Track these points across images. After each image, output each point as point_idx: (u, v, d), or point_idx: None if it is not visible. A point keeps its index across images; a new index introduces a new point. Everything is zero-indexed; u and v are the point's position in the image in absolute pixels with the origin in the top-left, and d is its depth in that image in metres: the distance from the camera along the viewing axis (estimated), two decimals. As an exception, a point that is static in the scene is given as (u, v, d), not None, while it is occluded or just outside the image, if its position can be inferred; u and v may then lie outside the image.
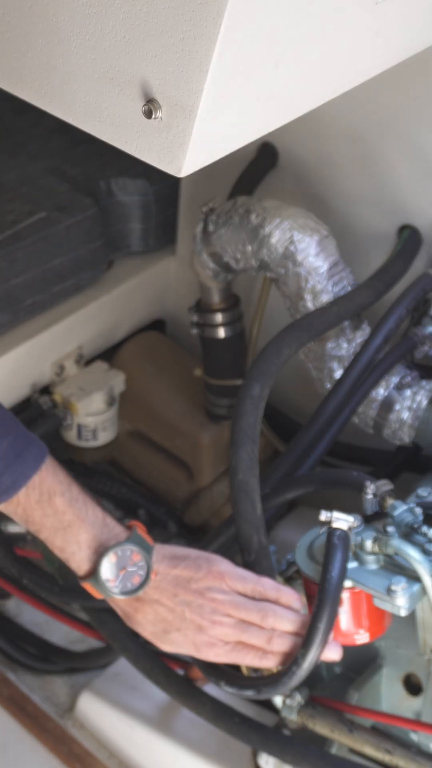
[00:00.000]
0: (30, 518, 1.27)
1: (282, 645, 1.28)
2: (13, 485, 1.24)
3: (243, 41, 1.04)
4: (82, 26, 1.09)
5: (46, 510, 1.26)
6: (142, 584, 1.27)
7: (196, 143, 1.07)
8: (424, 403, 1.58)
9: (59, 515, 1.26)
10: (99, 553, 1.26)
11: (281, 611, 1.28)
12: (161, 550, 1.30)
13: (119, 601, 1.30)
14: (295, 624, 1.28)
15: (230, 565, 1.30)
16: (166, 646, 1.31)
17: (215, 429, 1.92)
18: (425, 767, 1.39)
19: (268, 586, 1.29)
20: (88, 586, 1.29)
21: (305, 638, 1.27)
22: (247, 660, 1.29)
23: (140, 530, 1.29)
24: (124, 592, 1.27)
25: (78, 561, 1.28)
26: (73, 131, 1.22)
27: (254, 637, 1.27)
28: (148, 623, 1.30)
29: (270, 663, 1.28)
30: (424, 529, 1.31)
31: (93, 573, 1.27)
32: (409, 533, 1.32)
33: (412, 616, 1.33)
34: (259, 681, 1.34)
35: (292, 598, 1.30)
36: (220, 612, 1.27)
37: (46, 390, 1.89)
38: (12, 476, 1.24)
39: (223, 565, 1.30)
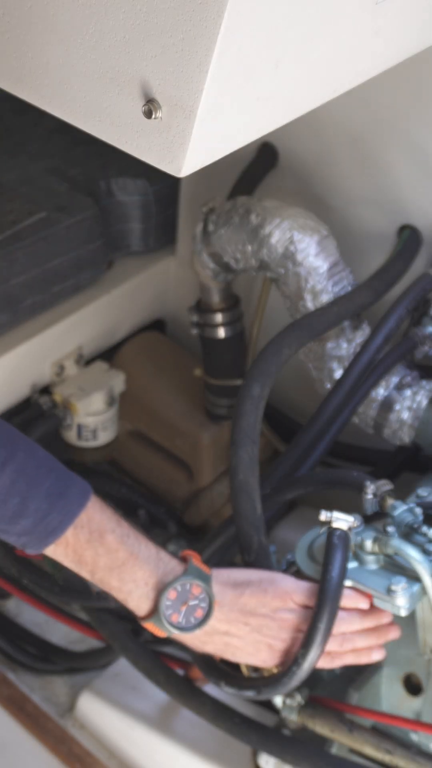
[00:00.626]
0: (82, 559, 1.23)
1: (356, 643, 1.29)
2: (61, 524, 1.21)
3: (243, 41, 1.04)
4: (82, 26, 1.09)
5: (98, 549, 1.22)
6: (205, 617, 1.25)
7: (196, 143, 1.07)
8: (424, 403, 1.58)
9: (112, 553, 1.22)
10: (158, 590, 1.23)
11: (347, 615, 1.28)
12: (219, 577, 1.28)
13: (185, 638, 1.27)
14: (363, 622, 1.29)
15: (293, 581, 1.29)
16: (241, 661, 1.31)
17: (215, 429, 1.92)
18: (425, 767, 1.39)
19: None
20: (150, 625, 1.25)
21: (305, 638, 1.27)
22: (321, 665, 1.29)
23: (195, 560, 1.26)
24: (188, 628, 1.25)
25: (136, 600, 1.24)
26: (73, 131, 1.21)
27: (329, 644, 1.28)
28: (219, 652, 1.29)
29: (343, 662, 1.30)
30: (424, 529, 1.31)
31: (154, 611, 1.23)
32: (409, 533, 1.32)
33: (412, 616, 1.33)
34: (260, 681, 1.34)
35: (357, 599, 1.29)
36: (290, 630, 1.27)
37: (46, 390, 1.89)
38: (59, 515, 1.20)
39: (287, 582, 1.29)
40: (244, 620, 1.26)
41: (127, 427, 2.00)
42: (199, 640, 1.28)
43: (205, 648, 1.29)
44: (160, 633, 1.25)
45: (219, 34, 1.01)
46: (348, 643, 1.30)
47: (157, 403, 1.97)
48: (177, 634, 1.25)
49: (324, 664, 1.30)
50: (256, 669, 1.38)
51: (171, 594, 1.23)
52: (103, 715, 1.70)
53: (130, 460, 2.04)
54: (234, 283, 1.80)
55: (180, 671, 1.55)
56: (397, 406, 1.59)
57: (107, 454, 1.96)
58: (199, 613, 1.25)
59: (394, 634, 1.32)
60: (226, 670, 1.39)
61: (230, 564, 1.61)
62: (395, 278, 1.63)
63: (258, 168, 1.82)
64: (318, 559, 1.33)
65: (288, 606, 1.27)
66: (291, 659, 1.28)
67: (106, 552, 1.23)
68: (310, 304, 1.60)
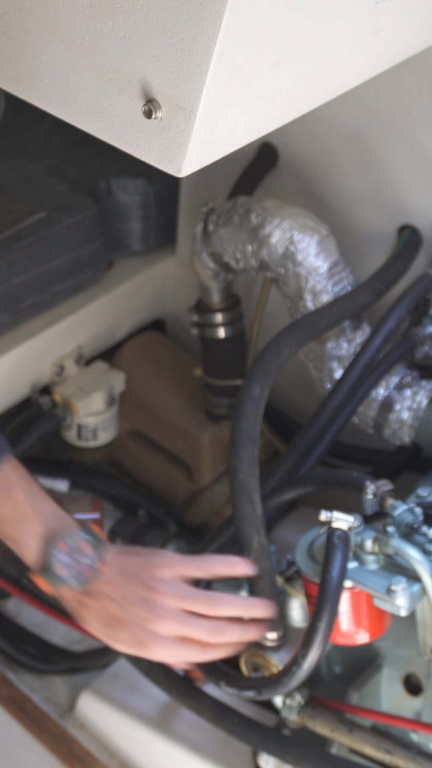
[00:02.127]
0: None
1: (226, 636, 1.28)
2: None
3: (243, 41, 1.04)
4: (82, 26, 1.09)
5: (3, 501, 1.28)
6: (92, 575, 1.26)
7: (196, 143, 1.07)
8: (424, 403, 1.58)
9: (17, 507, 1.28)
10: (50, 543, 1.27)
11: (227, 597, 1.30)
12: (112, 546, 1.30)
13: (68, 595, 1.29)
14: (240, 607, 1.29)
15: (179, 555, 1.32)
16: (113, 644, 1.30)
17: (215, 429, 1.92)
18: (425, 767, 1.39)
19: (218, 563, 1.32)
20: (39, 579, 1.29)
21: (305, 638, 1.27)
22: (190, 656, 1.29)
23: (95, 527, 1.30)
24: (73, 582, 1.26)
25: (33, 553, 1.28)
26: (73, 131, 1.22)
27: (198, 629, 1.27)
28: (94, 618, 1.29)
29: (213, 656, 1.29)
30: (424, 529, 1.31)
31: (44, 564, 1.27)
32: (409, 533, 1.32)
33: (412, 616, 1.33)
34: (260, 681, 1.34)
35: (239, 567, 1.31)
36: (164, 605, 1.26)
37: (46, 390, 1.89)
38: None
39: (173, 556, 1.31)
40: (120, 582, 1.27)
41: (127, 427, 2.00)
42: (79, 601, 1.29)
43: (83, 612, 1.29)
44: (48, 587, 1.28)
45: (219, 34, 1.01)
46: (219, 634, 1.29)
47: (157, 403, 1.97)
48: (61, 588, 1.27)
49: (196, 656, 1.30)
50: (256, 669, 1.38)
51: (61, 546, 1.26)
52: (103, 715, 1.70)
53: (130, 460, 2.04)
54: (234, 283, 1.80)
55: (180, 671, 1.55)
56: (397, 406, 1.59)
57: (107, 454, 1.95)
58: (86, 570, 1.26)
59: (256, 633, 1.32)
60: (226, 670, 1.39)
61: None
62: (395, 278, 1.63)
63: (258, 168, 1.82)
64: (318, 559, 1.33)
65: (166, 576, 1.28)
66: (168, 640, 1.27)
67: (12, 505, 1.28)
68: (310, 304, 1.60)
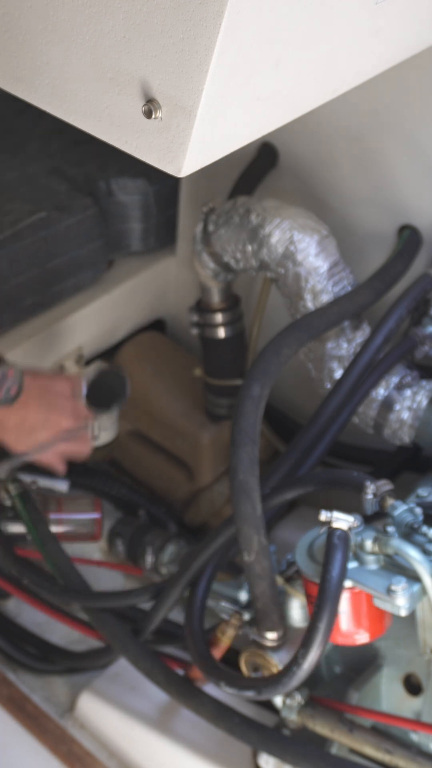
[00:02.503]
0: None
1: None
2: None
3: (243, 41, 1.04)
4: (82, 26, 1.09)
5: None
6: (18, 393, 1.52)
7: (196, 143, 1.07)
8: (424, 403, 1.58)
9: None
10: None
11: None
12: (28, 371, 1.57)
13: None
14: None
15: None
16: (24, 447, 1.59)
17: (215, 429, 1.92)
18: (425, 767, 1.39)
19: None
20: None
21: (305, 638, 1.27)
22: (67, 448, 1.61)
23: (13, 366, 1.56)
24: (5, 400, 1.51)
25: None
26: (73, 131, 1.22)
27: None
28: (14, 426, 1.56)
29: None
30: (424, 529, 1.31)
31: None
32: (409, 533, 1.32)
33: (412, 616, 1.33)
34: (260, 681, 1.34)
35: None
36: (69, 409, 1.59)
37: (46, 390, 1.89)
38: None
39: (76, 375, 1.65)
40: (38, 394, 1.57)
41: (127, 427, 2.00)
42: (5, 416, 1.55)
43: (8, 423, 1.55)
44: None
45: (219, 34, 1.01)
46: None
47: (157, 403, 1.97)
48: None
49: None
50: (256, 669, 1.38)
51: None
52: (103, 715, 1.70)
53: (130, 460, 2.04)
54: (234, 283, 1.80)
55: (180, 671, 1.55)
56: (397, 406, 1.59)
57: (107, 454, 1.96)
58: (13, 390, 1.52)
59: None
60: (226, 670, 1.39)
61: (230, 564, 1.61)
62: (395, 278, 1.63)
63: (258, 168, 1.82)
64: (318, 559, 1.33)
65: (74, 391, 1.61)
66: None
67: None
68: (310, 304, 1.60)
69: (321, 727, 1.43)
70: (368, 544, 1.31)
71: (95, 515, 1.77)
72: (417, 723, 1.42)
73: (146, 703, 1.68)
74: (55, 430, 1.60)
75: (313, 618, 1.27)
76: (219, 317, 1.80)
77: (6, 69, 1.20)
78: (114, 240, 1.95)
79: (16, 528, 1.71)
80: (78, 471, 1.95)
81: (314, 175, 1.78)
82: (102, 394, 1.63)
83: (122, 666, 1.71)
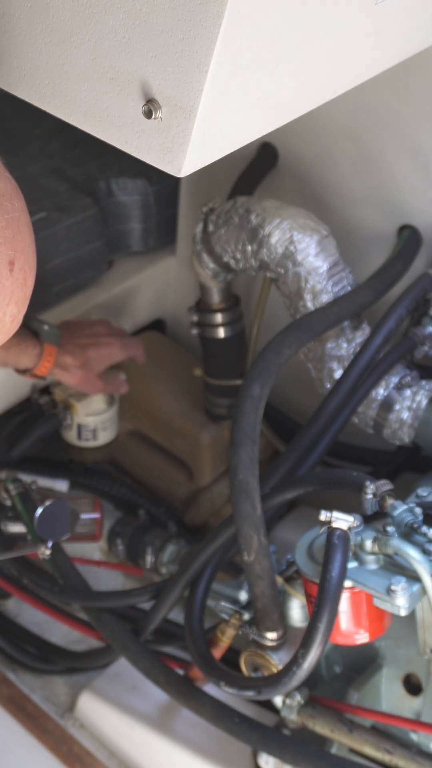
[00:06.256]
0: None
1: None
2: None
3: (243, 41, 1.04)
4: (82, 26, 1.09)
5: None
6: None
7: (195, 143, 1.07)
8: (424, 403, 1.58)
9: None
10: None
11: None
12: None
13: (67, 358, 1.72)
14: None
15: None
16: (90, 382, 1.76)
17: (215, 429, 1.92)
18: (425, 767, 1.39)
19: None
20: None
21: (305, 638, 1.27)
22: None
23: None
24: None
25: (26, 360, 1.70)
26: (73, 131, 1.21)
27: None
28: (78, 365, 1.73)
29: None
30: (424, 529, 1.31)
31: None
32: (409, 533, 1.32)
33: (412, 616, 1.33)
34: (260, 681, 1.34)
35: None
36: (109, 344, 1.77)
37: (46, 390, 1.89)
38: None
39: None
40: (77, 341, 1.74)
41: (127, 427, 2.00)
42: (63, 359, 1.71)
43: (68, 364, 1.71)
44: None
45: (219, 34, 1.01)
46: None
47: (157, 403, 1.97)
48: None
49: None
50: (256, 669, 1.38)
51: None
52: (103, 715, 1.70)
53: (130, 460, 2.04)
54: (234, 283, 1.80)
55: (180, 671, 1.55)
56: (397, 406, 1.59)
57: (107, 454, 1.96)
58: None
59: None
60: (226, 670, 1.39)
61: (230, 564, 1.61)
62: (395, 278, 1.63)
63: (258, 168, 1.82)
64: (318, 559, 1.33)
65: (106, 329, 1.78)
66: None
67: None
68: (310, 304, 1.60)
69: (321, 727, 1.43)
70: (368, 544, 1.31)
71: (95, 515, 1.77)
72: (417, 723, 1.42)
73: (146, 703, 1.68)
74: (109, 359, 1.78)
75: (313, 618, 1.27)
76: (219, 317, 1.80)
77: (6, 69, 1.19)
78: (114, 240, 1.95)
79: (16, 528, 1.71)
80: (78, 471, 1.95)
81: (314, 175, 1.78)
82: (54, 525, 1.63)
83: (122, 666, 1.71)
